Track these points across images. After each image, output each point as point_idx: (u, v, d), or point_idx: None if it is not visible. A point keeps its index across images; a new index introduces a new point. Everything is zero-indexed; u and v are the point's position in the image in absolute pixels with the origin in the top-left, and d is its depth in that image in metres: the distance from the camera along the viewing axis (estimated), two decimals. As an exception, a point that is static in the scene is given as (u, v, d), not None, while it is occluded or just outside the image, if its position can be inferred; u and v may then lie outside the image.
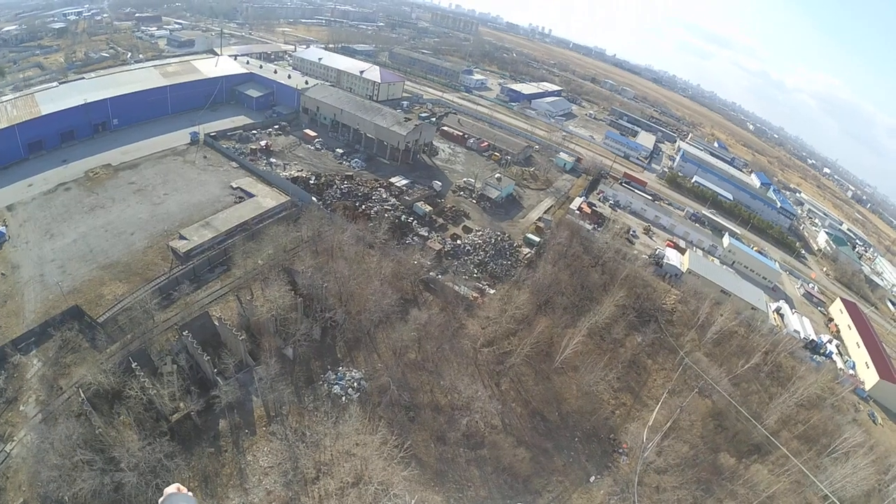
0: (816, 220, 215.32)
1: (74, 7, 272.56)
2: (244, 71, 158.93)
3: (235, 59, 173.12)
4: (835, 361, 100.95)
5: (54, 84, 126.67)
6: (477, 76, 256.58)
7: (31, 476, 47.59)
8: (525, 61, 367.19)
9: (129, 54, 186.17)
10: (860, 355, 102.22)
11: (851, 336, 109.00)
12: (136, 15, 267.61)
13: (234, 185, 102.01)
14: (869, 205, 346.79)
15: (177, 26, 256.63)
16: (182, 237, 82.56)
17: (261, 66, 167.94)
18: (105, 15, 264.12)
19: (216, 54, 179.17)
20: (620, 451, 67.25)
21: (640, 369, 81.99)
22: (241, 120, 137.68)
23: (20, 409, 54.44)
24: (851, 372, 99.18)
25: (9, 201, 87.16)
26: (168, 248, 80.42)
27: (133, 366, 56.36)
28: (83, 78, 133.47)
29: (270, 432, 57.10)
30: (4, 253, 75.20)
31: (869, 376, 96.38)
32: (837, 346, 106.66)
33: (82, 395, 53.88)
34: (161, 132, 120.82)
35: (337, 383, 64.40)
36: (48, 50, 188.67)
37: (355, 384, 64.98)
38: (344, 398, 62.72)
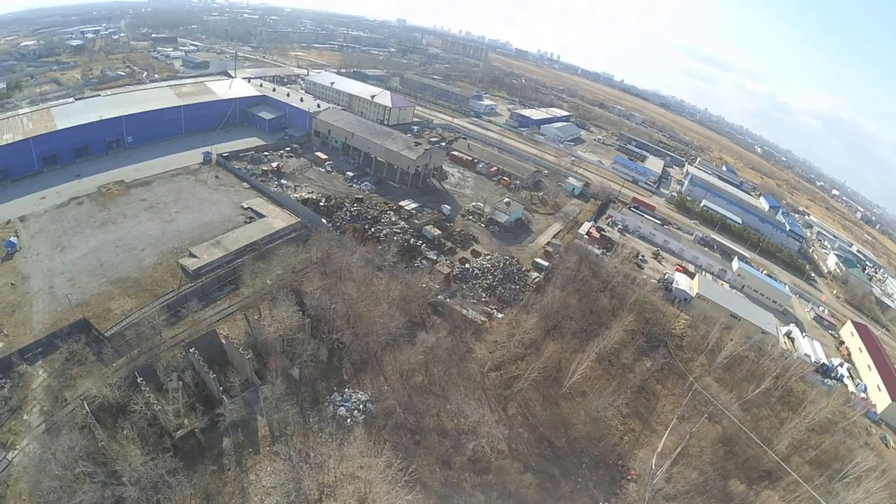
0: (826, 243, 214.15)
1: (92, 25, 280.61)
2: (257, 93, 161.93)
3: (249, 81, 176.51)
4: (846, 385, 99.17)
5: (70, 100, 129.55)
6: (486, 101, 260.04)
7: (32, 486, 47.23)
8: (534, 87, 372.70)
9: (145, 73, 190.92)
10: (872, 378, 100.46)
11: (863, 359, 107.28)
12: (153, 35, 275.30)
13: (245, 206, 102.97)
14: (878, 226, 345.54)
15: (192, 48, 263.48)
16: (192, 255, 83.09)
17: (274, 89, 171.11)
18: (122, 34, 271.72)
19: (230, 76, 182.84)
20: (629, 477, 65.81)
21: (649, 395, 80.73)
22: (254, 141, 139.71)
23: (24, 419, 54.34)
24: (863, 395, 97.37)
25: (22, 213, 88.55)
26: (178, 266, 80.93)
27: (139, 381, 56.28)
28: (99, 95, 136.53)
29: (274, 452, 56.46)
30: (15, 263, 75.99)
31: (881, 399, 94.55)
32: (849, 370, 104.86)
33: (87, 407, 53.80)
34: (174, 151, 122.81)
35: (342, 405, 63.82)
36: (65, 66, 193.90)
37: (361, 406, 64.33)
38: (349, 420, 62.06)
